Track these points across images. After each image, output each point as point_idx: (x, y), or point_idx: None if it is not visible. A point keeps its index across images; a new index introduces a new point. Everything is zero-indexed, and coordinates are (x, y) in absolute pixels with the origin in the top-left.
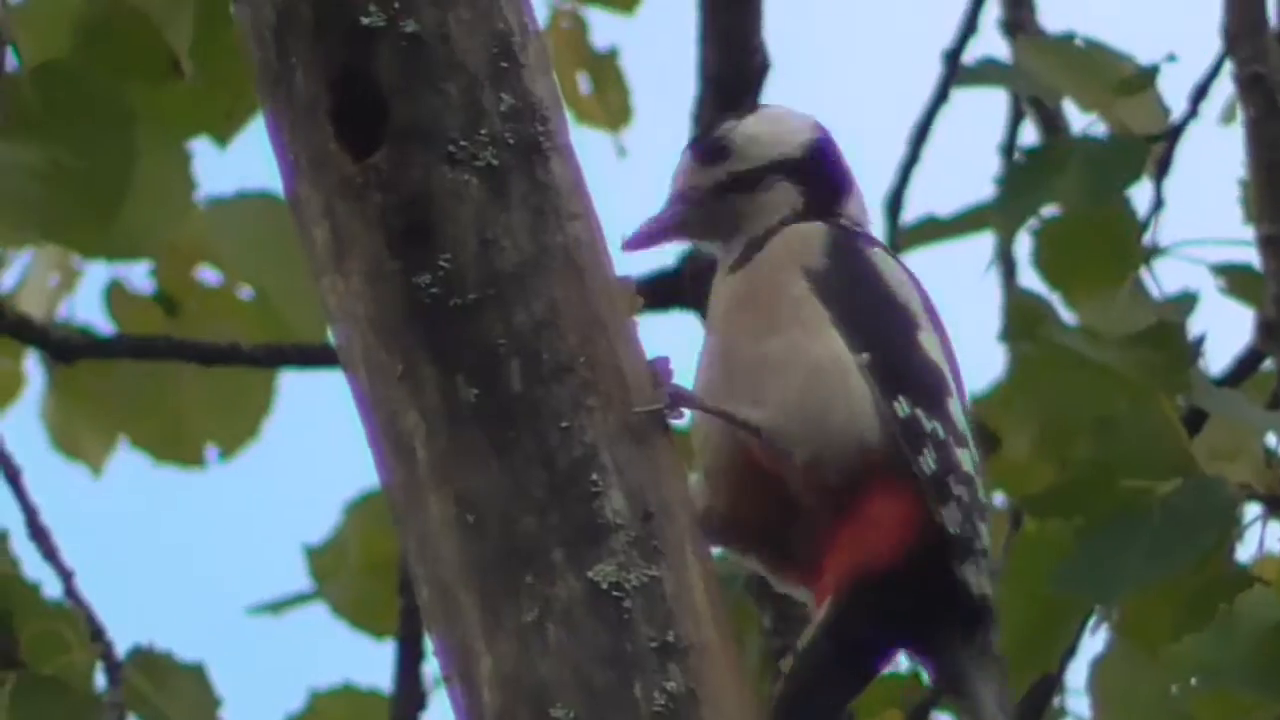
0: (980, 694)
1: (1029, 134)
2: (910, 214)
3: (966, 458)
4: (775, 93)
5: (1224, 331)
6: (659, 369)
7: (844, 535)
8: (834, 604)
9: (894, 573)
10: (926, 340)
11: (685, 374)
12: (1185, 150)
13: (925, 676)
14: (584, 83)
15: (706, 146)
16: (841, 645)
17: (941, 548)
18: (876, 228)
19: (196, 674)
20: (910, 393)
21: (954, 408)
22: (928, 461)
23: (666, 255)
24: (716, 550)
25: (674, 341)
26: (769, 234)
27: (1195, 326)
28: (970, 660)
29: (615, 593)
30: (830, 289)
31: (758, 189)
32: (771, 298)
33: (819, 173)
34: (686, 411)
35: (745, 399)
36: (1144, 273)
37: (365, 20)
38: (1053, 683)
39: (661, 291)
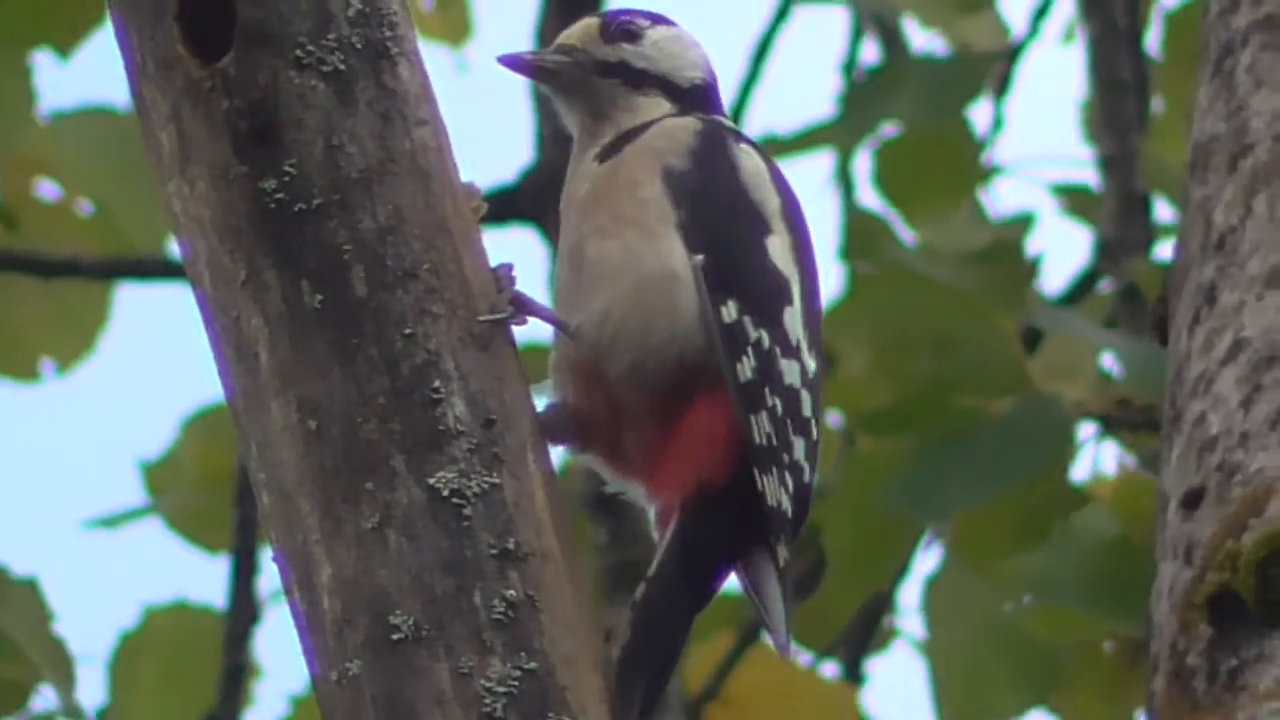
0: (771, 603)
1: (869, 51)
2: (750, 131)
3: (794, 369)
4: (616, 6)
5: (1061, 251)
6: (502, 275)
7: (674, 446)
8: (678, 523)
9: (728, 486)
10: (775, 245)
11: (528, 282)
12: (1025, 69)
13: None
14: None
15: (618, 25)
16: (688, 564)
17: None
18: None
19: (30, 589)
20: (741, 298)
21: (791, 318)
22: (745, 369)
23: (506, 170)
24: (559, 452)
25: (511, 255)
26: (643, 128)
27: (1033, 246)
28: (768, 570)
29: (455, 500)
30: (684, 188)
31: (638, 91)
32: (623, 197)
33: (696, 107)
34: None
35: (581, 303)
36: (982, 192)
37: None
38: (884, 601)
39: (500, 205)
